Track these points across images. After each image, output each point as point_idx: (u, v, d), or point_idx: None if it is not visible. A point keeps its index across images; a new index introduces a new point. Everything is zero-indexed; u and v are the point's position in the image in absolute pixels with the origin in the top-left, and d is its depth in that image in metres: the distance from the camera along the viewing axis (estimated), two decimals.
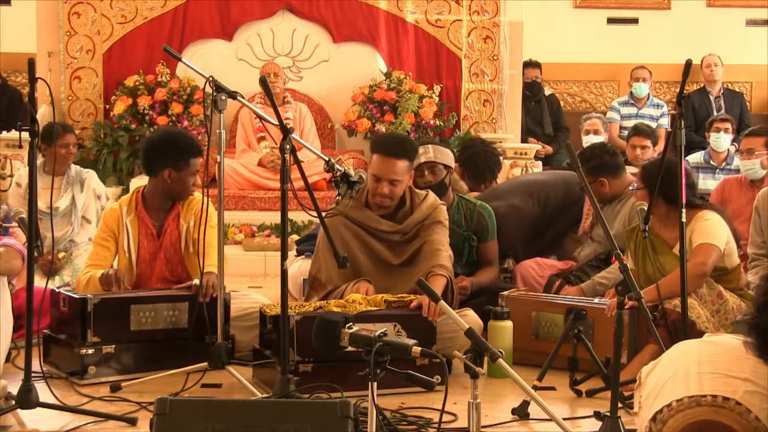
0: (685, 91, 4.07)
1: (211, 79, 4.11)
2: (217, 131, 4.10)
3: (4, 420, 3.63)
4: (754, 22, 10.42)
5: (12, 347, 4.35)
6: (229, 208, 7.25)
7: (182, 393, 4.04)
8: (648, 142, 7.15)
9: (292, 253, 5.92)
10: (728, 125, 7.54)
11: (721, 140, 7.52)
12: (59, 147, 5.84)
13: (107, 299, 4.33)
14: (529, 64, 9.62)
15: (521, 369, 4.07)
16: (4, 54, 9.56)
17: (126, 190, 7.69)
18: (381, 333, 2.90)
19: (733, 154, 7.54)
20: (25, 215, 4.61)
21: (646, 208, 4.32)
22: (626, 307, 3.55)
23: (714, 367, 2.52)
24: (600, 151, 5.46)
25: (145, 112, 8.19)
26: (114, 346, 4.29)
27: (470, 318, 4.37)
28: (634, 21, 10.41)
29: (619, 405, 3.38)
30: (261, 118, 4.19)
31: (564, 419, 3.62)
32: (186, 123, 8.14)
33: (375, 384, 2.86)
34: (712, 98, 9.70)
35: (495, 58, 8.75)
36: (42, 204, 5.74)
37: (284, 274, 3.73)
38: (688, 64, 3.96)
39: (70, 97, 8.53)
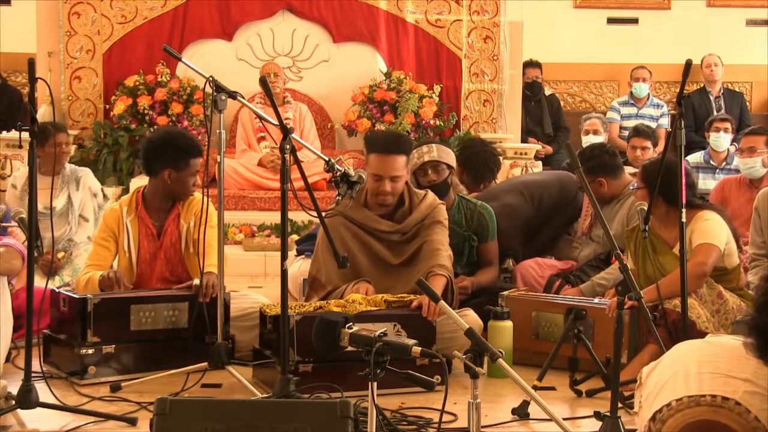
0: (685, 91, 4.07)
1: (211, 79, 4.11)
2: (217, 131, 4.11)
3: (4, 420, 3.63)
4: (754, 22, 10.42)
5: (12, 347, 4.35)
6: (229, 208, 7.25)
7: (182, 393, 4.04)
8: (648, 143, 7.15)
9: (292, 253, 5.91)
10: (728, 125, 7.54)
11: (721, 140, 7.52)
12: (52, 146, 5.81)
13: (107, 299, 4.33)
14: (530, 64, 9.62)
15: (521, 369, 4.08)
16: (4, 54, 9.57)
17: (126, 190, 7.69)
18: (381, 333, 2.90)
19: (733, 153, 7.54)
20: (24, 215, 4.61)
21: (646, 208, 4.32)
22: (626, 307, 3.55)
23: (714, 367, 2.52)
24: (600, 151, 5.47)
25: (145, 112, 8.19)
26: (114, 346, 4.29)
27: (470, 318, 4.37)
28: (634, 21, 10.41)
29: (619, 405, 3.38)
30: (261, 118, 4.19)
31: (564, 419, 3.62)
32: (186, 123, 8.15)
33: (375, 384, 2.86)
34: (712, 98, 9.70)
35: (495, 58, 8.75)
36: (39, 204, 5.73)
37: (284, 274, 3.73)
38: (688, 64, 3.97)
39: (70, 97, 8.53)
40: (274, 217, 7.11)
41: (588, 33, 10.32)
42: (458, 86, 8.75)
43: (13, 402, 3.63)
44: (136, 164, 8.07)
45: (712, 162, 7.61)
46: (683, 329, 4.01)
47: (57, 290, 4.51)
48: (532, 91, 9.49)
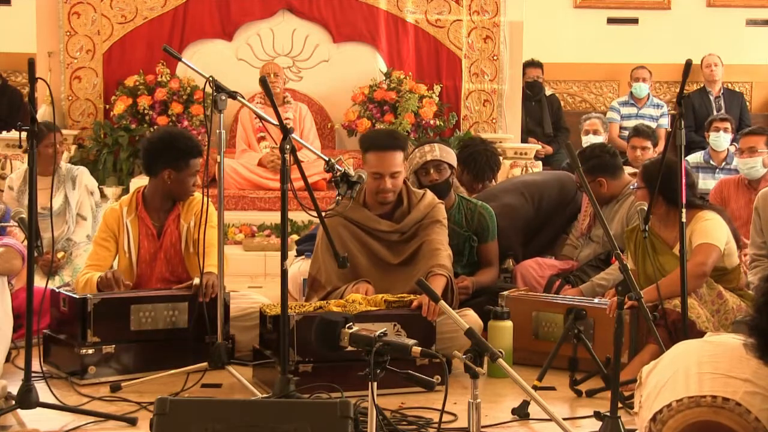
0: (685, 91, 4.07)
1: (211, 79, 4.11)
2: (217, 131, 4.10)
3: (4, 420, 3.64)
4: (754, 22, 10.42)
5: (12, 347, 4.35)
6: (229, 208, 7.25)
7: (182, 393, 4.04)
8: (648, 143, 7.15)
9: (292, 253, 5.91)
10: (728, 125, 7.54)
11: (721, 140, 7.52)
12: (46, 147, 5.79)
13: (107, 299, 4.33)
14: (531, 64, 9.62)
15: (521, 369, 4.08)
16: (4, 54, 9.57)
17: (126, 190, 7.69)
18: (381, 333, 2.90)
19: (732, 154, 7.54)
20: (24, 215, 4.61)
21: (646, 208, 4.32)
22: (626, 307, 3.55)
23: (714, 367, 2.52)
24: (600, 151, 5.47)
25: (145, 112, 8.19)
26: (114, 346, 4.29)
27: (470, 318, 4.37)
28: (634, 21, 10.41)
29: (619, 405, 3.38)
30: (261, 118, 4.19)
31: (564, 419, 3.61)
32: (186, 123, 8.15)
33: (375, 384, 2.86)
34: (712, 98, 9.70)
35: (495, 58, 8.75)
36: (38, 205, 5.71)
37: (284, 274, 3.73)
38: (688, 64, 3.97)
39: (70, 97, 8.53)
40: (274, 217, 7.11)
41: (588, 33, 10.32)
42: (458, 86, 8.75)
43: (13, 402, 3.63)
44: (136, 164, 8.07)
45: (711, 162, 7.61)
46: (683, 329, 4.00)
47: (57, 290, 4.51)
48: (532, 91, 9.48)
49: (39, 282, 4.45)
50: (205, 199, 4.22)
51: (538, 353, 4.48)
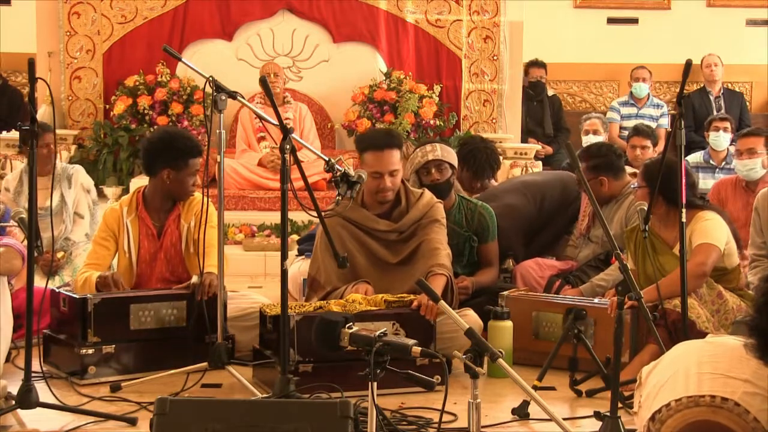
0: (685, 91, 4.07)
1: (211, 79, 4.11)
2: (217, 131, 4.11)
3: (4, 420, 3.64)
4: (754, 22, 10.42)
5: (12, 347, 4.35)
6: (229, 208, 7.25)
7: (182, 393, 4.04)
8: (648, 142, 7.15)
9: (293, 253, 5.91)
10: (727, 124, 7.53)
11: (721, 139, 7.52)
12: (40, 147, 5.77)
13: (107, 299, 4.33)
14: (535, 64, 9.62)
15: (521, 369, 4.08)
16: (4, 54, 9.57)
17: (126, 190, 7.69)
18: (381, 333, 2.90)
19: (731, 155, 7.54)
20: (24, 215, 4.60)
21: (646, 208, 4.32)
22: (626, 307, 3.55)
23: (714, 367, 2.52)
24: (607, 150, 5.47)
25: (145, 112, 8.20)
26: (114, 346, 4.29)
27: (470, 318, 4.37)
28: (634, 21, 10.41)
29: (619, 405, 3.38)
30: (261, 118, 4.19)
31: (564, 419, 3.62)
32: (186, 123, 8.15)
33: (375, 384, 2.86)
34: (712, 98, 9.70)
35: (495, 58, 8.76)
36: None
37: (284, 274, 3.73)
38: (688, 64, 3.97)
39: (70, 97, 8.53)
40: (274, 217, 7.11)
41: (588, 33, 10.32)
42: (458, 86, 8.76)
43: (13, 402, 3.63)
44: (136, 164, 8.07)
45: (711, 162, 7.61)
46: (683, 329, 4.01)
47: (57, 290, 4.51)
48: (535, 91, 9.48)
49: (39, 282, 4.45)
50: (205, 199, 4.22)
51: (538, 353, 4.48)
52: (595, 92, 10.57)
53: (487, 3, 8.70)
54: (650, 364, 2.76)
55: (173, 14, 8.59)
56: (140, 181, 6.54)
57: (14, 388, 3.68)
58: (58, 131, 7.37)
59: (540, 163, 8.52)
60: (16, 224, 4.92)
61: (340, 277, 4.53)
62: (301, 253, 5.78)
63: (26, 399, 3.59)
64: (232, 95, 4.12)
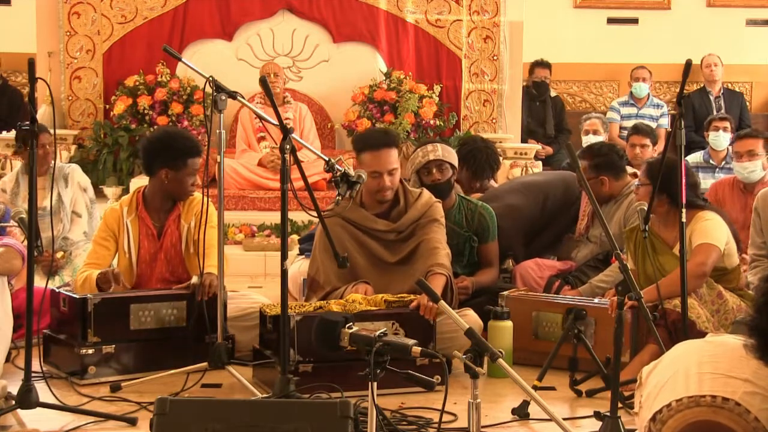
0: (685, 91, 4.07)
1: (211, 79, 4.11)
2: (217, 131, 4.11)
3: (4, 420, 3.64)
4: (754, 22, 10.42)
5: (12, 347, 4.35)
6: (229, 208, 7.25)
7: (182, 393, 4.04)
8: (647, 141, 7.15)
9: (294, 253, 5.91)
10: (727, 124, 7.53)
11: (721, 139, 7.51)
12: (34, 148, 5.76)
13: (107, 299, 4.33)
14: (540, 64, 9.61)
15: (521, 369, 4.08)
16: (4, 54, 9.57)
17: (126, 190, 7.69)
18: (381, 333, 2.90)
19: (731, 155, 7.53)
20: (24, 215, 4.61)
21: (646, 208, 4.31)
22: (626, 307, 3.55)
23: (714, 367, 2.52)
24: (608, 149, 5.46)
25: (145, 112, 8.20)
26: (114, 346, 4.29)
27: (470, 318, 4.37)
28: (634, 21, 10.42)
29: (619, 405, 3.38)
30: (261, 118, 4.19)
31: (564, 419, 3.61)
32: (186, 123, 8.15)
33: (375, 384, 2.86)
34: (712, 98, 9.71)
35: (495, 58, 8.76)
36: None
37: (284, 274, 3.73)
38: (688, 64, 3.96)
39: (70, 97, 8.54)
40: (274, 217, 7.11)
41: (588, 33, 10.32)
42: (458, 86, 8.76)
43: (13, 402, 3.63)
44: (136, 164, 8.07)
45: (711, 161, 7.61)
46: (683, 329, 4.00)
47: (57, 290, 4.51)
48: (538, 91, 9.48)
49: (39, 282, 4.45)
50: (205, 199, 4.22)
51: (538, 353, 4.48)
52: (595, 92, 10.58)
53: (487, 3, 8.71)
54: (650, 364, 2.75)
55: (173, 14, 8.59)
56: (140, 181, 6.54)
57: (14, 388, 3.68)
58: (58, 131, 7.38)
59: (540, 163, 8.52)
60: (16, 224, 4.92)
61: (340, 277, 4.53)
62: (301, 252, 5.78)
63: (26, 399, 3.59)
64: (232, 95, 4.11)
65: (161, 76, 8.34)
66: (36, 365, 3.81)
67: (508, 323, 4.49)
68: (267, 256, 6.98)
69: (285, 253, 3.72)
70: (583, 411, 3.97)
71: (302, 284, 5.09)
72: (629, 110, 9.45)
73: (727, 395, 2.45)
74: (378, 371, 2.85)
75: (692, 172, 4.90)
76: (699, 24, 10.32)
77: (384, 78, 8.57)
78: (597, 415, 3.76)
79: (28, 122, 3.66)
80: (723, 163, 7.54)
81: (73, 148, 8.31)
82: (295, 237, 6.68)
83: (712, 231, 4.53)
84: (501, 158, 6.41)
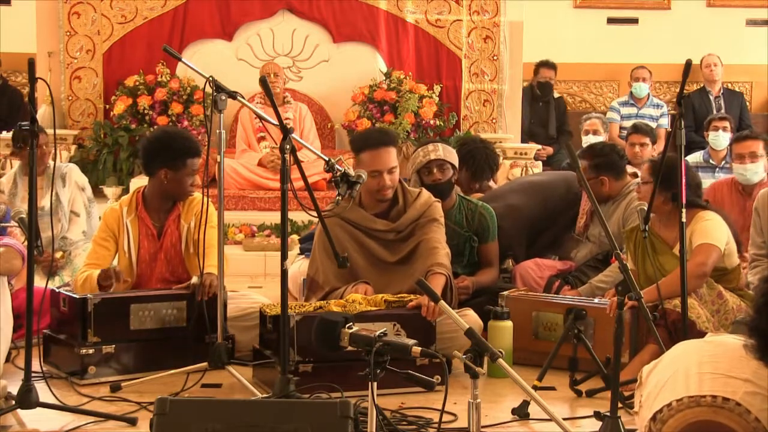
0: (685, 91, 4.07)
1: (211, 79, 4.10)
2: (217, 131, 4.10)
3: (4, 420, 3.63)
4: (754, 22, 10.42)
5: (12, 347, 4.35)
6: (229, 208, 7.25)
7: (182, 393, 4.04)
8: (647, 140, 7.15)
9: (294, 252, 5.91)
10: (726, 124, 7.53)
11: (720, 139, 7.52)
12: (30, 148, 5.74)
13: (107, 299, 4.33)
14: (546, 65, 9.61)
15: (521, 369, 4.07)
16: (4, 54, 9.57)
17: (126, 190, 7.69)
18: (381, 333, 2.90)
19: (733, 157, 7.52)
20: (24, 215, 4.60)
21: (646, 209, 4.31)
22: (626, 307, 3.54)
23: (714, 367, 2.52)
24: (610, 149, 5.46)
25: (145, 112, 8.20)
26: (114, 346, 4.29)
27: (470, 318, 4.37)
28: (634, 21, 10.41)
29: (619, 405, 3.38)
30: (261, 118, 4.19)
31: (564, 419, 3.61)
32: (186, 123, 8.15)
33: (375, 384, 2.86)
34: (711, 98, 9.71)
35: (495, 58, 8.76)
36: (26, 206, 5.68)
37: (284, 274, 3.73)
38: (688, 64, 3.96)
39: (70, 97, 8.54)
40: (274, 217, 7.11)
41: (588, 33, 10.32)
42: (458, 86, 8.76)
43: (13, 402, 3.63)
44: (136, 164, 8.07)
45: (711, 161, 7.62)
46: (683, 329, 4.00)
47: (57, 290, 4.51)
48: (542, 92, 9.48)
49: (39, 282, 4.45)
50: (205, 199, 4.22)
51: (538, 353, 4.48)
52: (595, 92, 10.57)
53: (487, 3, 8.71)
54: (650, 363, 2.76)
55: (173, 14, 8.59)
56: (140, 181, 6.54)
57: (14, 388, 3.68)
58: (58, 131, 7.38)
59: (540, 163, 8.52)
60: (16, 224, 4.92)
61: (339, 277, 4.53)
62: (301, 252, 5.78)
63: (26, 399, 3.59)
64: (232, 95, 4.11)
65: (161, 76, 8.34)
66: (36, 365, 3.81)
67: (508, 323, 4.49)
68: (267, 256, 6.98)
69: (285, 253, 3.72)
70: (583, 411, 3.97)
71: (302, 284, 5.08)
72: (629, 110, 9.45)
73: (727, 395, 2.45)
74: (378, 371, 2.85)
75: (694, 173, 4.89)
76: (699, 24, 10.32)
77: (384, 78, 8.57)
78: (597, 415, 3.75)
79: (27, 122, 3.65)
80: (723, 162, 7.54)
81: (73, 148, 8.31)
82: (295, 237, 6.68)
83: (712, 231, 4.53)
84: (501, 158, 6.40)
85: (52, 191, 4.24)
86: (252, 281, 6.69)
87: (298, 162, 3.88)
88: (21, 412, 3.65)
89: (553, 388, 4.23)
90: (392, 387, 3.85)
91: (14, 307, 4.23)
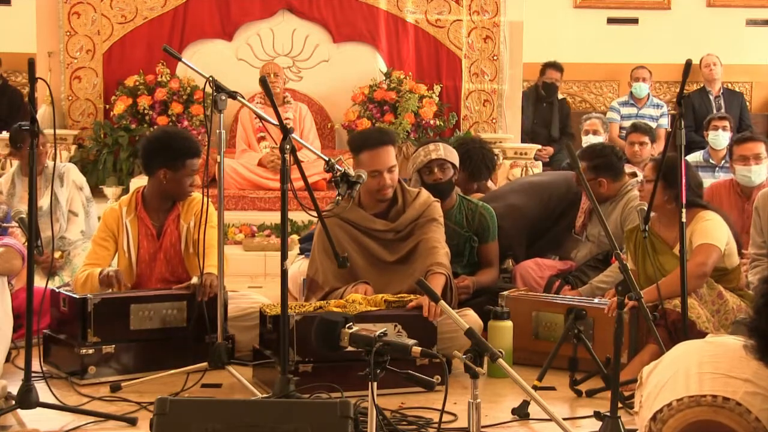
0: (685, 91, 4.07)
1: (211, 79, 4.10)
2: (217, 131, 4.10)
3: (4, 420, 3.63)
4: (754, 22, 10.43)
5: (12, 347, 4.35)
6: (229, 208, 7.25)
7: (182, 393, 4.04)
8: (646, 139, 7.15)
9: (294, 252, 5.91)
10: (726, 123, 7.53)
11: (720, 138, 7.52)
12: (29, 148, 5.74)
13: (107, 299, 4.33)
14: (553, 66, 9.60)
15: (521, 369, 4.07)
16: (4, 54, 9.57)
17: (126, 190, 7.69)
18: (381, 333, 2.89)
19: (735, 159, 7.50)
20: (24, 215, 4.60)
21: (646, 209, 4.31)
22: (626, 307, 3.54)
23: (715, 367, 2.52)
24: (609, 151, 5.45)
25: (145, 112, 8.20)
26: (114, 346, 4.29)
27: (470, 318, 4.37)
28: (634, 21, 10.42)
29: (619, 405, 3.38)
30: (261, 118, 4.18)
31: (564, 419, 3.61)
32: (186, 123, 8.15)
33: (375, 384, 2.86)
34: (711, 98, 9.71)
35: (495, 58, 8.76)
36: (25, 207, 5.68)
37: (284, 274, 3.73)
38: (688, 64, 3.96)
39: (70, 97, 8.54)
40: (274, 217, 7.11)
41: (588, 33, 10.32)
42: (458, 86, 8.76)
43: (13, 402, 3.63)
44: (136, 164, 8.07)
45: (711, 160, 7.62)
46: (683, 329, 4.00)
47: (57, 290, 4.51)
48: (547, 93, 9.48)
49: (39, 282, 4.45)
50: (205, 199, 4.22)
51: (538, 353, 4.48)
52: (595, 92, 10.58)
53: (487, 3, 8.71)
54: (651, 363, 2.76)
55: (173, 14, 8.59)
56: (140, 181, 6.54)
57: (14, 388, 3.67)
58: (58, 131, 7.37)
59: (540, 163, 8.52)
60: (17, 225, 4.92)
61: (339, 277, 4.53)
62: (301, 252, 5.78)
63: (26, 399, 3.59)
64: (232, 95, 4.11)
65: (161, 76, 8.34)
66: (36, 365, 3.81)
67: (508, 323, 4.49)
68: (267, 256, 6.98)
69: (285, 253, 3.72)
70: (583, 411, 3.97)
71: (302, 284, 5.08)
72: (629, 110, 9.45)
73: (727, 395, 2.45)
74: (378, 371, 2.85)
75: (695, 172, 4.89)
76: (699, 24, 10.32)
77: (384, 78, 8.57)
78: (597, 415, 3.75)
79: (27, 122, 3.65)
80: (723, 162, 7.54)
81: (73, 148, 8.31)
82: (295, 237, 6.68)
83: (712, 231, 4.53)
84: (499, 159, 6.40)
85: (51, 191, 4.23)
86: (252, 281, 6.69)
87: (298, 162, 3.88)
88: (21, 412, 3.65)
89: (553, 388, 4.23)
90: (392, 387, 3.85)
91: (14, 307, 4.23)
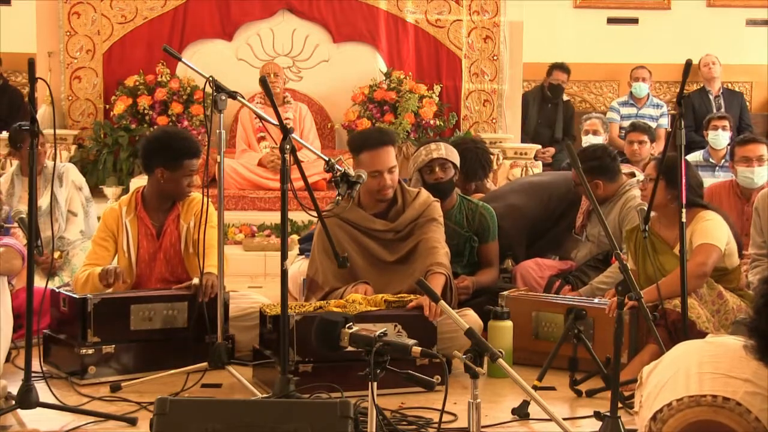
0: (684, 91, 4.07)
1: (211, 79, 4.10)
2: (217, 131, 4.10)
3: (4, 420, 3.64)
4: (754, 22, 10.42)
5: (12, 347, 4.35)
6: (229, 208, 7.25)
7: (182, 393, 4.04)
8: (645, 137, 7.14)
9: (294, 252, 5.91)
10: (726, 123, 7.54)
11: (720, 138, 7.52)
12: (29, 148, 5.74)
13: (107, 299, 4.33)
14: (559, 67, 9.59)
15: (521, 369, 4.07)
16: (4, 54, 9.57)
17: (126, 190, 7.69)
18: (381, 333, 2.89)
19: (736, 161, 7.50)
20: (25, 215, 4.60)
21: (646, 209, 4.31)
22: (626, 307, 3.54)
23: (715, 367, 2.52)
24: (601, 153, 5.44)
25: (145, 112, 8.20)
26: (114, 346, 4.29)
27: (470, 318, 4.37)
28: (634, 21, 10.42)
29: (619, 405, 3.38)
30: (261, 118, 4.18)
31: (564, 419, 3.62)
32: (186, 123, 8.15)
33: (375, 384, 2.86)
34: (711, 98, 9.71)
35: (495, 58, 8.76)
36: (24, 207, 5.68)
37: (284, 274, 3.73)
38: (688, 64, 3.96)
39: (70, 97, 8.54)
40: (274, 217, 7.11)
41: (588, 33, 10.32)
42: (458, 86, 8.76)
43: (13, 402, 3.63)
44: (136, 164, 8.07)
45: (711, 160, 7.63)
46: (683, 329, 4.00)
47: (57, 290, 4.51)
48: (553, 94, 9.48)
49: (39, 282, 4.45)
50: (205, 199, 4.22)
51: (538, 353, 4.48)
52: (595, 92, 10.57)
53: (487, 3, 8.71)
54: (651, 363, 2.76)
55: (173, 14, 8.60)
56: (140, 181, 6.54)
57: (14, 388, 3.68)
58: (58, 131, 7.38)
59: (540, 163, 8.51)
60: (17, 225, 4.92)
61: (338, 277, 4.53)
62: (301, 252, 5.78)
63: (26, 399, 3.59)
64: (232, 95, 4.11)
65: (161, 76, 8.34)
66: (36, 365, 3.81)
67: (508, 323, 4.49)
68: (267, 256, 6.98)
69: (285, 253, 3.72)
70: (583, 411, 3.97)
71: (302, 284, 5.08)
72: (629, 110, 9.45)
73: (727, 395, 2.45)
74: (378, 371, 2.85)
75: (696, 172, 4.88)
76: (699, 24, 10.32)
77: (384, 78, 8.57)
78: (597, 415, 3.76)
79: (27, 122, 3.65)
80: (722, 161, 7.54)
81: (73, 148, 8.31)
82: (295, 237, 6.68)
83: (712, 231, 4.53)
84: (499, 159, 6.39)
85: (51, 192, 4.23)
86: (252, 281, 6.69)
87: (298, 162, 3.88)
88: (21, 412, 3.65)
89: (553, 388, 4.23)
90: (392, 387, 3.85)
91: (14, 307, 4.23)
